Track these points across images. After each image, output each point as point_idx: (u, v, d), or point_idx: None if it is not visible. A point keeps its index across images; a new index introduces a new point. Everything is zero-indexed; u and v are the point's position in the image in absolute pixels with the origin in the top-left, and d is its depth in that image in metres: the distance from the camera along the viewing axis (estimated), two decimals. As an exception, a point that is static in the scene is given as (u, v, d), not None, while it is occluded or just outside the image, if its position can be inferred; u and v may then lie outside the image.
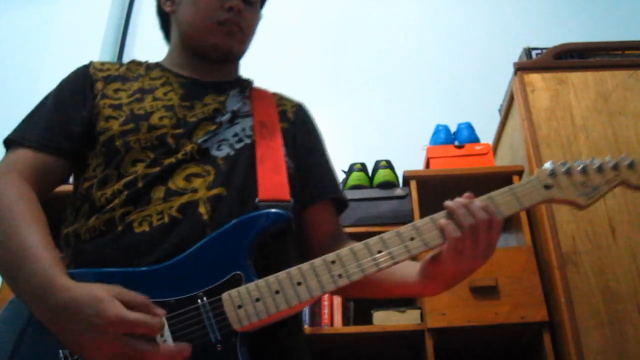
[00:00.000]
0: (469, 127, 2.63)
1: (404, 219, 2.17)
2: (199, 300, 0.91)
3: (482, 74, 3.05)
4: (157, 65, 1.26)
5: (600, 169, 1.00)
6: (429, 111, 2.96)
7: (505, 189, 0.99)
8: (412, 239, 0.95)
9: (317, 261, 0.94)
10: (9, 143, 1.09)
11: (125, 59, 3.00)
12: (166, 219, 0.99)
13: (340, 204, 1.25)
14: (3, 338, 0.92)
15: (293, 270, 0.93)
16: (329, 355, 2.26)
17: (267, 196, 1.05)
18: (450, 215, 0.96)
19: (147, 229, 0.98)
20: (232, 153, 1.10)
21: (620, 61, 2.29)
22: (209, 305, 0.91)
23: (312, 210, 1.18)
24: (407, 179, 2.32)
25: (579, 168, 1.00)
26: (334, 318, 2.14)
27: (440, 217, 0.96)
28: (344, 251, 0.94)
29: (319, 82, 3.14)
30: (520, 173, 2.26)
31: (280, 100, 1.29)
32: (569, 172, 1.00)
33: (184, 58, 1.24)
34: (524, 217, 2.16)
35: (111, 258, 0.96)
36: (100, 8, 3.41)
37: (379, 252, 0.94)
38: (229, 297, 0.91)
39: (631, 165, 1.00)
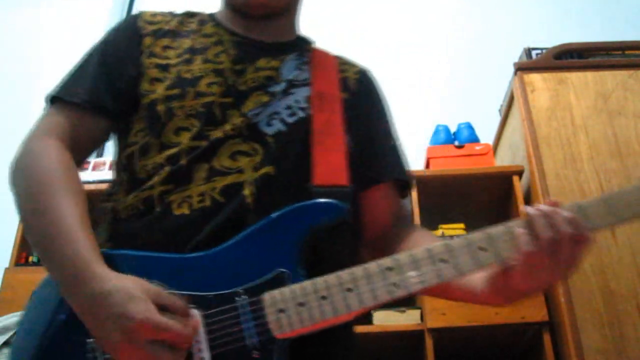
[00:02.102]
0: (469, 127, 2.63)
1: (404, 219, 2.16)
2: (237, 299, 0.81)
3: (482, 74, 3.04)
4: (211, 18, 1.13)
5: None
6: (429, 111, 2.96)
7: (600, 198, 0.84)
8: (482, 249, 0.83)
9: (372, 266, 0.82)
10: (52, 99, 1.01)
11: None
12: (208, 202, 0.90)
13: (405, 186, 1.12)
14: (36, 320, 0.86)
15: (344, 273, 0.82)
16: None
17: (322, 180, 0.94)
18: (529, 224, 0.83)
19: (186, 211, 0.90)
20: (283, 129, 0.98)
21: (620, 61, 2.29)
22: (249, 305, 0.81)
23: (371, 192, 1.06)
24: (407, 179, 2.32)
25: None
26: (334, 318, 2.13)
27: (517, 226, 0.84)
28: (403, 257, 0.83)
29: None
30: (520, 173, 2.26)
31: (342, 66, 1.15)
32: None
33: (231, 14, 1.11)
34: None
35: (149, 241, 0.89)
36: (100, 8, 3.42)
37: (443, 261, 0.82)
38: (270, 298, 0.81)
39: None
